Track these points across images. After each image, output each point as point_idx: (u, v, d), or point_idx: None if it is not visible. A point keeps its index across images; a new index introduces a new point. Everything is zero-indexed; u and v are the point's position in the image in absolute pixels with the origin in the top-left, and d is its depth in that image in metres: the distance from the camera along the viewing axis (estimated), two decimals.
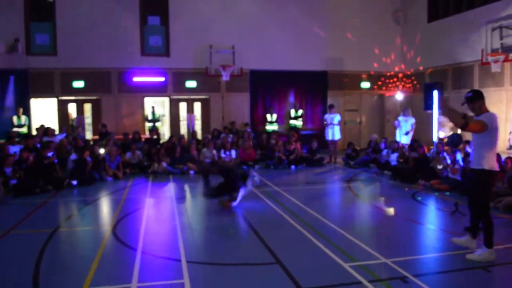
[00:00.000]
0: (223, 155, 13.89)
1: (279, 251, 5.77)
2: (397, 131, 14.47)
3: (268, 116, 17.65)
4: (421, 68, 18.06)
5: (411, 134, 14.22)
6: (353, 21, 18.58)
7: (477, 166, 5.46)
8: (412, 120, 14.25)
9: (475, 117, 5.44)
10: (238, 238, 6.55)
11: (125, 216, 7.83)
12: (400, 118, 14.47)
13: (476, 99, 5.43)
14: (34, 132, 14.79)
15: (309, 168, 13.84)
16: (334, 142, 14.92)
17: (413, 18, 18.76)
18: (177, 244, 6.11)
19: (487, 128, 5.25)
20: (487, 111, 5.43)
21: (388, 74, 19.06)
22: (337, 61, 18.77)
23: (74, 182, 10.76)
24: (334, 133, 14.78)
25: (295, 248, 6.00)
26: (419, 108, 15.82)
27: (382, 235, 6.66)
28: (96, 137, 15.55)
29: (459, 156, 10.21)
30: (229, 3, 17.65)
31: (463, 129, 5.28)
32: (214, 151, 13.61)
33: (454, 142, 13.51)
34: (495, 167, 5.41)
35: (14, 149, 11.32)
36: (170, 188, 10.68)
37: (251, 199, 9.09)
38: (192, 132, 16.52)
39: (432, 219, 7.83)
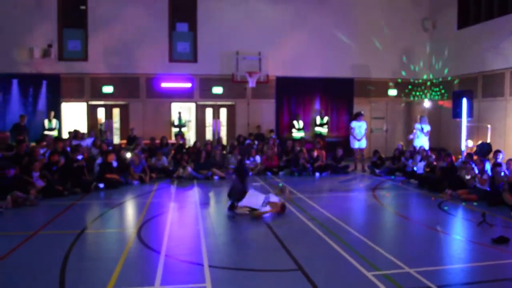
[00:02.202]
0: (247, 161, 13.92)
1: (301, 257, 5.74)
2: (415, 138, 14.45)
3: (295, 123, 17.61)
4: (449, 75, 17.74)
5: (426, 138, 14.28)
6: (380, 27, 18.41)
7: None
8: (427, 128, 14.31)
9: None
10: (261, 244, 6.55)
11: (149, 219, 7.92)
12: (417, 125, 14.43)
13: None
14: (65, 136, 15.19)
15: (333, 175, 13.74)
16: (360, 150, 14.81)
17: (442, 25, 18.47)
18: (200, 249, 6.15)
19: None
20: None
21: (416, 81, 18.80)
22: (363, 68, 18.61)
23: (101, 185, 10.96)
24: (361, 142, 14.68)
25: (318, 255, 5.97)
26: (448, 117, 15.55)
27: (406, 245, 6.58)
28: (124, 141, 15.82)
29: (488, 166, 9.96)
30: (255, 10, 17.76)
31: None
32: (239, 157, 13.63)
33: (483, 151, 13.31)
34: None
35: (42, 151, 11.64)
36: (195, 193, 10.75)
37: None
38: (217, 138, 16.63)
39: (458, 229, 7.67)
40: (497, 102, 15.51)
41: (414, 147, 13.84)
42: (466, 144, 13.73)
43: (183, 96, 17.60)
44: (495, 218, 7.95)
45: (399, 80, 18.78)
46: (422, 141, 14.16)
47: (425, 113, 16.31)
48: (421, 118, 14.60)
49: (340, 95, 18.70)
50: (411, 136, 14.70)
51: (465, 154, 11.58)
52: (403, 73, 18.73)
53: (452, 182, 10.41)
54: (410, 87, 18.82)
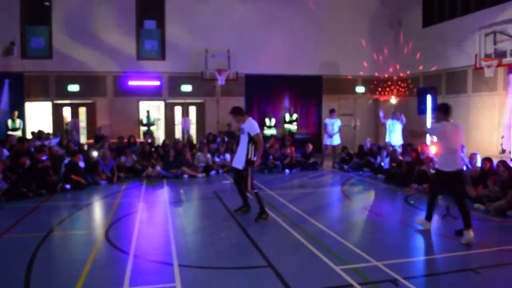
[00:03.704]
0: (217, 159, 13.90)
1: (271, 254, 5.78)
2: (387, 134, 14.50)
3: (267, 121, 17.67)
4: (415, 72, 18.16)
5: (399, 135, 14.27)
6: (349, 25, 18.66)
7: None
8: (398, 124, 14.28)
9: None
10: (231, 242, 6.56)
11: (118, 220, 7.82)
12: (388, 121, 14.46)
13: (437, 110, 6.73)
14: (29, 136, 14.78)
15: (303, 172, 13.86)
16: (333, 146, 14.98)
17: (408, 23, 18.88)
18: (169, 248, 6.11)
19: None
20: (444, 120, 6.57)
21: (383, 78, 19.16)
22: (332, 66, 18.85)
23: (68, 186, 10.74)
24: (333, 139, 14.82)
25: (287, 251, 6.02)
26: (414, 113, 15.91)
27: (374, 238, 6.71)
28: (91, 141, 15.54)
29: None
30: (225, 8, 17.72)
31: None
32: (209, 155, 13.61)
33: None
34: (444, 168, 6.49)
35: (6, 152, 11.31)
36: (164, 192, 10.66)
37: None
38: (187, 137, 16.54)
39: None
40: (460, 98, 15.98)
41: (391, 146, 13.86)
42: (431, 139, 14.06)
43: (152, 94, 17.42)
44: (458, 211, 8.16)
45: (366, 77, 19.11)
46: (394, 136, 14.31)
47: (396, 109, 16.54)
48: (393, 114, 14.67)
49: (309, 92, 18.90)
50: (381, 114, 14.63)
51: (428, 150, 11.85)
52: (371, 70, 19.07)
53: (417, 177, 10.67)
54: (377, 83, 19.18)
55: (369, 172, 13.26)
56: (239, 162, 7.66)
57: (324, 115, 17.86)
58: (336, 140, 14.90)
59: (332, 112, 15.15)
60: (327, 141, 14.96)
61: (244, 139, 7.64)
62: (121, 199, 9.73)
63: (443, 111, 6.58)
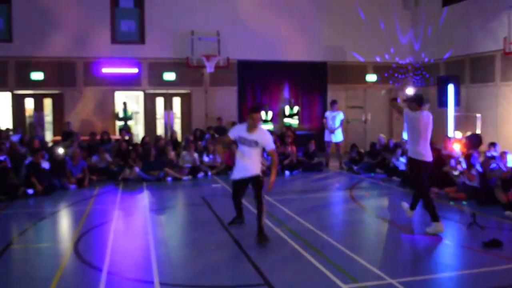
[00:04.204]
0: (205, 159, 13.84)
1: (268, 270, 5.73)
2: (404, 129, 14.52)
3: (263, 114, 17.57)
4: (434, 58, 18.15)
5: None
6: (357, 4, 18.63)
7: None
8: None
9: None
10: (221, 256, 6.50)
11: (89, 230, 7.76)
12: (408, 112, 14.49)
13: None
14: None
15: (305, 173, 13.83)
16: (336, 144, 14.92)
17: (426, 2, 18.86)
18: (149, 263, 6.07)
19: (402, 113, 7.80)
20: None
21: (397, 64, 19.15)
22: (338, 51, 18.81)
23: (30, 191, 10.64)
24: (336, 135, 14.77)
25: (288, 266, 5.97)
26: (433, 105, 15.89)
27: (388, 252, 6.67)
28: (58, 137, 15.42)
29: (479, 160, 10.24)
30: None
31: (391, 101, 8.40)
32: (196, 155, 13.56)
33: (473, 143, 13.67)
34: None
35: None
36: (144, 198, 10.62)
37: None
38: (171, 133, 16.47)
39: (446, 232, 7.82)
40: (487, 88, 15.98)
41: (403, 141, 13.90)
42: (454, 136, 14.07)
43: (129, 83, 17.33)
44: (486, 219, 8.16)
45: (379, 63, 19.09)
46: None
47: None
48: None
49: (312, 81, 18.87)
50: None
51: (451, 147, 11.85)
52: (383, 55, 19.04)
53: (438, 179, 10.64)
54: (391, 71, 19.17)
55: (383, 174, 13.25)
56: (252, 168, 7.12)
57: (329, 108, 17.78)
58: (338, 137, 14.85)
59: (333, 103, 15.10)
60: (327, 137, 14.92)
61: (252, 151, 7.12)
62: (93, 206, 9.68)
63: (416, 102, 7.62)
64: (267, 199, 9.89)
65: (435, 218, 7.36)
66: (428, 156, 7.55)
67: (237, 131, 7.23)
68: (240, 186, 7.47)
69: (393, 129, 19.39)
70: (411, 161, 7.78)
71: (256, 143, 7.05)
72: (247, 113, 7.15)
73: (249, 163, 7.11)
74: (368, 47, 18.88)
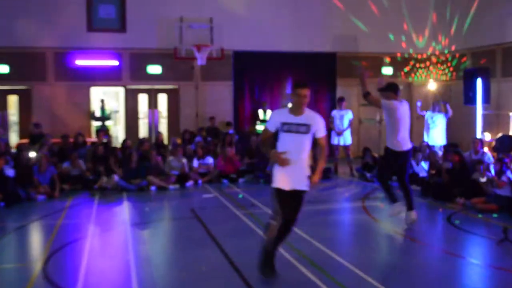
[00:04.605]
0: (195, 164, 13.83)
1: None
2: (425, 131, 14.57)
3: (260, 113, 17.58)
4: (461, 49, 18.15)
5: (442, 133, 14.31)
6: None
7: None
8: (439, 117, 14.35)
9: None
10: (214, 279, 6.47)
11: (60, 248, 7.73)
12: (428, 114, 14.52)
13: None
14: None
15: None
16: (345, 147, 14.91)
17: None
18: (130, 286, 6.06)
19: (380, 105, 8.53)
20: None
21: (418, 56, 19.14)
22: (349, 40, 18.80)
23: None
24: (344, 137, 14.77)
25: None
26: (459, 101, 15.90)
27: (408, 272, 6.65)
28: (25, 140, 15.40)
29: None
30: None
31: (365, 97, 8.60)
32: (184, 160, 13.54)
33: (504, 146, 13.67)
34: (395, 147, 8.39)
35: None
36: (124, 210, 10.63)
37: (233, 225, 9.10)
38: (156, 135, 16.45)
39: (474, 250, 7.83)
40: None
41: (429, 146, 13.88)
42: (482, 137, 14.07)
43: (108, 77, 17.32)
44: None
45: (397, 54, 19.09)
46: (435, 134, 14.36)
47: (437, 98, 16.58)
48: (434, 105, 14.74)
49: (318, 75, 18.81)
50: (418, 107, 14.82)
51: (483, 151, 11.86)
52: (402, 45, 19.04)
53: (465, 188, 10.63)
54: (411, 64, 19.17)
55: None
56: (299, 178, 6.09)
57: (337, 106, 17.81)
58: (347, 139, 14.91)
59: (340, 101, 15.15)
60: (335, 140, 14.92)
61: (302, 141, 6.10)
62: (64, 220, 9.65)
63: (392, 90, 8.57)
64: (267, 211, 9.86)
65: (394, 199, 8.69)
66: (406, 145, 8.44)
67: (278, 117, 6.15)
68: (289, 200, 6.07)
69: (413, 130, 19.33)
70: (388, 151, 8.63)
71: (307, 128, 6.05)
72: (292, 90, 6.20)
73: (298, 164, 6.03)
74: (385, 35, 18.86)
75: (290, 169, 5.95)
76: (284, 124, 6.00)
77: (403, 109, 8.45)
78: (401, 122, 8.37)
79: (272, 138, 6.33)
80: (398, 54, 19.13)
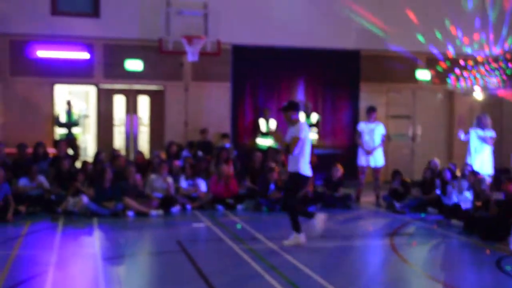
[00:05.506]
0: (183, 184, 13.84)
1: None
2: (470, 153, 14.52)
3: (261, 123, 17.59)
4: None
5: (489, 151, 14.34)
6: None
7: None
8: (490, 133, 14.33)
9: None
10: None
11: (14, 286, 7.74)
12: (472, 131, 14.48)
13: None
14: None
15: (327, 211, 13.84)
16: (376, 170, 14.93)
17: None
18: None
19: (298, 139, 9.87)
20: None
21: (463, 59, 19.22)
22: (375, 35, 18.90)
23: None
24: (375, 157, 14.81)
25: None
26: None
27: None
28: None
29: None
30: None
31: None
32: (170, 180, 13.55)
33: None
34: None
35: None
36: (94, 240, 10.63)
37: (230, 262, 9.12)
38: (135, 148, 16.47)
39: None
40: None
41: (468, 167, 13.90)
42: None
43: (76, 74, 17.37)
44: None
45: (434, 55, 19.19)
46: (483, 157, 14.39)
47: (486, 111, 16.63)
48: (478, 119, 14.72)
49: (337, 78, 18.91)
50: (462, 136, 14.74)
51: None
52: (443, 44, 19.14)
53: None
54: (450, 66, 19.25)
55: (438, 215, 13.27)
56: None
57: (362, 117, 17.83)
58: (379, 160, 14.91)
59: (371, 111, 15.10)
60: (362, 160, 14.93)
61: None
62: (19, 251, 9.67)
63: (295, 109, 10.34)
64: (271, 247, 9.92)
65: (298, 229, 9.99)
66: (307, 170, 10.14)
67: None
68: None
69: (454, 150, 19.42)
70: (292, 176, 10.17)
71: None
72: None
73: None
74: (421, 31, 18.96)
75: None
76: None
77: (305, 132, 10.16)
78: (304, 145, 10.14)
79: None
80: (436, 54, 19.22)
